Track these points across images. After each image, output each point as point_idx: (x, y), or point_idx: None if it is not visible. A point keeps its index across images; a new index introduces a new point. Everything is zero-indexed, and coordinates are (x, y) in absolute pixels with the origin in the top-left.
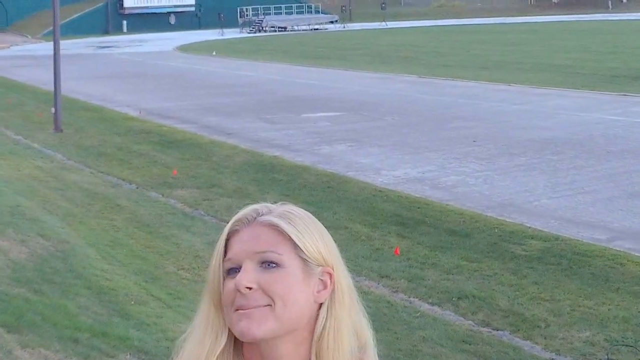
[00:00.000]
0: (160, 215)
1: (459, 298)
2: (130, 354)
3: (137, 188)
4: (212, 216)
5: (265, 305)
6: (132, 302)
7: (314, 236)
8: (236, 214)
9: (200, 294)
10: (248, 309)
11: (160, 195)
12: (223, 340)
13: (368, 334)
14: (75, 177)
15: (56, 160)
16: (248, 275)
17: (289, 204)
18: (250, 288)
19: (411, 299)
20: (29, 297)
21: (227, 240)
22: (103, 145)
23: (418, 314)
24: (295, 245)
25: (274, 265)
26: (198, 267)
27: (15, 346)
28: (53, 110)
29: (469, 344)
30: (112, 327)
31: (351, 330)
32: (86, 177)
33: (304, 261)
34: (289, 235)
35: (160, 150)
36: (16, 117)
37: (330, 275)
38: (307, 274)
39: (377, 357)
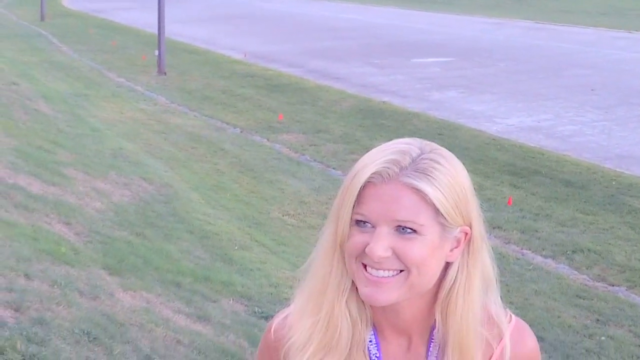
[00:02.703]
0: (265, 159)
1: (573, 251)
2: (233, 300)
3: (241, 132)
4: (318, 162)
5: (397, 272)
6: (236, 247)
7: (457, 196)
8: (370, 156)
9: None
10: (378, 273)
11: (265, 140)
12: (348, 283)
13: (492, 276)
14: (179, 120)
15: (159, 103)
16: (384, 243)
17: (433, 147)
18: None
19: (524, 251)
20: (131, 240)
21: (361, 188)
22: (207, 89)
23: (531, 267)
24: (437, 212)
25: (411, 231)
26: (303, 213)
27: (117, 288)
28: (157, 52)
29: (583, 299)
30: (215, 272)
31: (481, 282)
32: (190, 121)
33: (443, 226)
34: (432, 202)
35: (265, 94)
36: (119, 59)
37: (467, 233)
38: (443, 238)
39: (500, 300)
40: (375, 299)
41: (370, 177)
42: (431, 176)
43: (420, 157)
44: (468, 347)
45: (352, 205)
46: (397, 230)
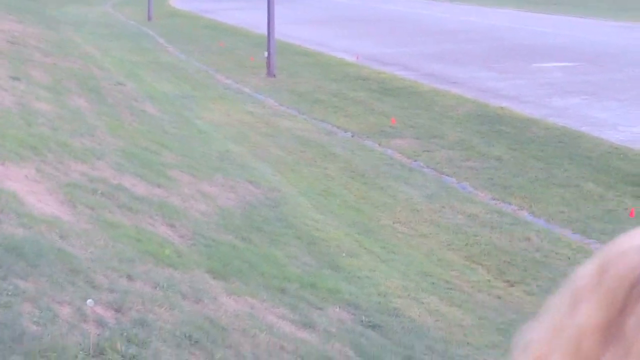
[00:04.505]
0: (376, 165)
1: None
2: (339, 307)
3: (352, 136)
4: (431, 168)
5: None
6: (344, 254)
7: None
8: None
9: None
10: None
11: (377, 145)
12: None
13: None
14: (288, 123)
15: (268, 105)
16: None
17: None
18: None
19: None
20: (236, 245)
21: None
22: (317, 92)
23: None
24: None
25: None
26: (415, 221)
27: (221, 292)
28: (266, 54)
29: None
30: (322, 279)
31: None
32: (299, 124)
33: None
34: None
35: (377, 97)
36: (227, 61)
37: None
38: None
39: None
40: None
41: None
42: None
43: None
44: None
45: None
46: None
